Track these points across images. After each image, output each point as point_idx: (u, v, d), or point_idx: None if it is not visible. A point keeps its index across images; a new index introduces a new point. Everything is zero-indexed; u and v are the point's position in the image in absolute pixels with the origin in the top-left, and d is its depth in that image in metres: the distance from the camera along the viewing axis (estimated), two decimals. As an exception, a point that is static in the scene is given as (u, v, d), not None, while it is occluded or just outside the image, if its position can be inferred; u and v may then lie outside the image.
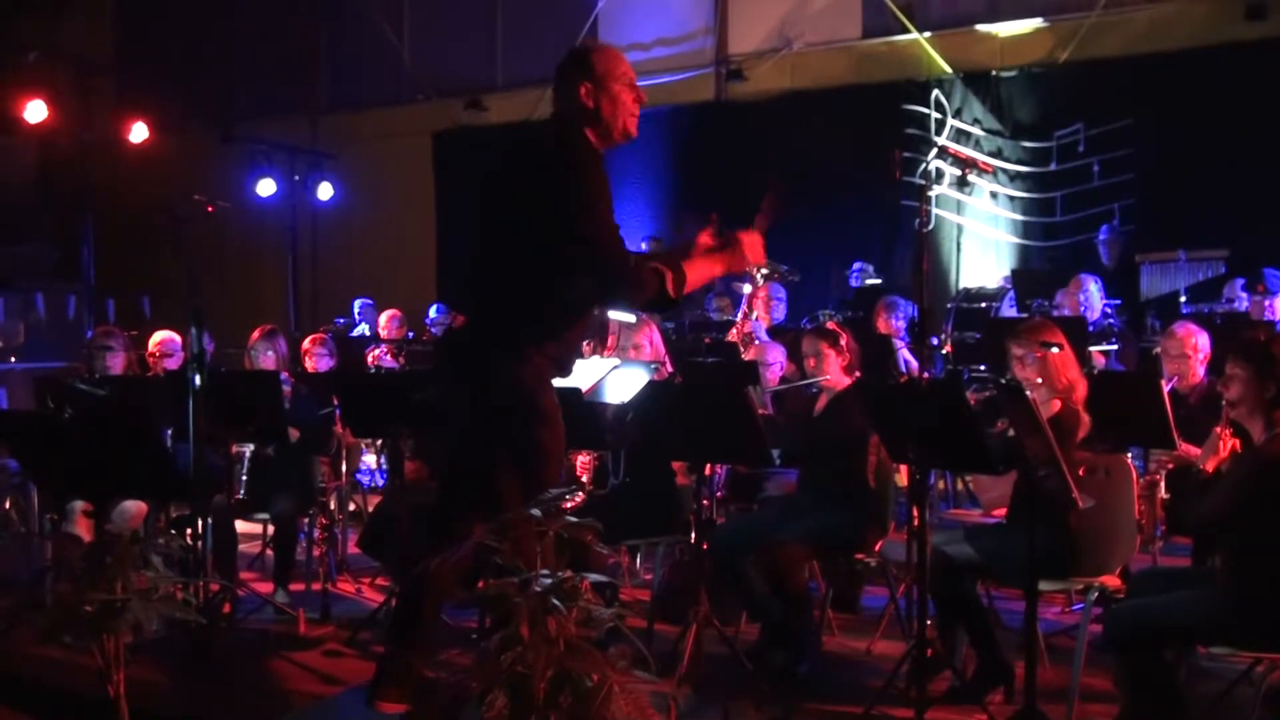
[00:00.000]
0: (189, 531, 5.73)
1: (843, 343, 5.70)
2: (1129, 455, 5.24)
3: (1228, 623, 4.06)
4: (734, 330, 8.50)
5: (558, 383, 4.92)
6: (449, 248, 13.86)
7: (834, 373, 5.69)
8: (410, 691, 4.11)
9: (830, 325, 6.12)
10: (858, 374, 5.73)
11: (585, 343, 8.10)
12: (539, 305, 4.00)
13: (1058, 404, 4.87)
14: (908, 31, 11.79)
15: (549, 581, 2.71)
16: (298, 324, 12.93)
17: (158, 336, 7.76)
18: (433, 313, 11.52)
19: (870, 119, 11.59)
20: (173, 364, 7.53)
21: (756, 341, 7.97)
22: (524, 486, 3.91)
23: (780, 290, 9.40)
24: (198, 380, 5.39)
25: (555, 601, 2.66)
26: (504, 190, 4.09)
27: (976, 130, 11.53)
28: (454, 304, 4.38)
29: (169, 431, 6.31)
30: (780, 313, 9.42)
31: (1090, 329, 8.02)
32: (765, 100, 12.56)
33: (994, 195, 11.46)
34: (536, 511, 2.86)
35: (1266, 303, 8.31)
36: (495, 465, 3.98)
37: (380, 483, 9.41)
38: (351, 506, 7.86)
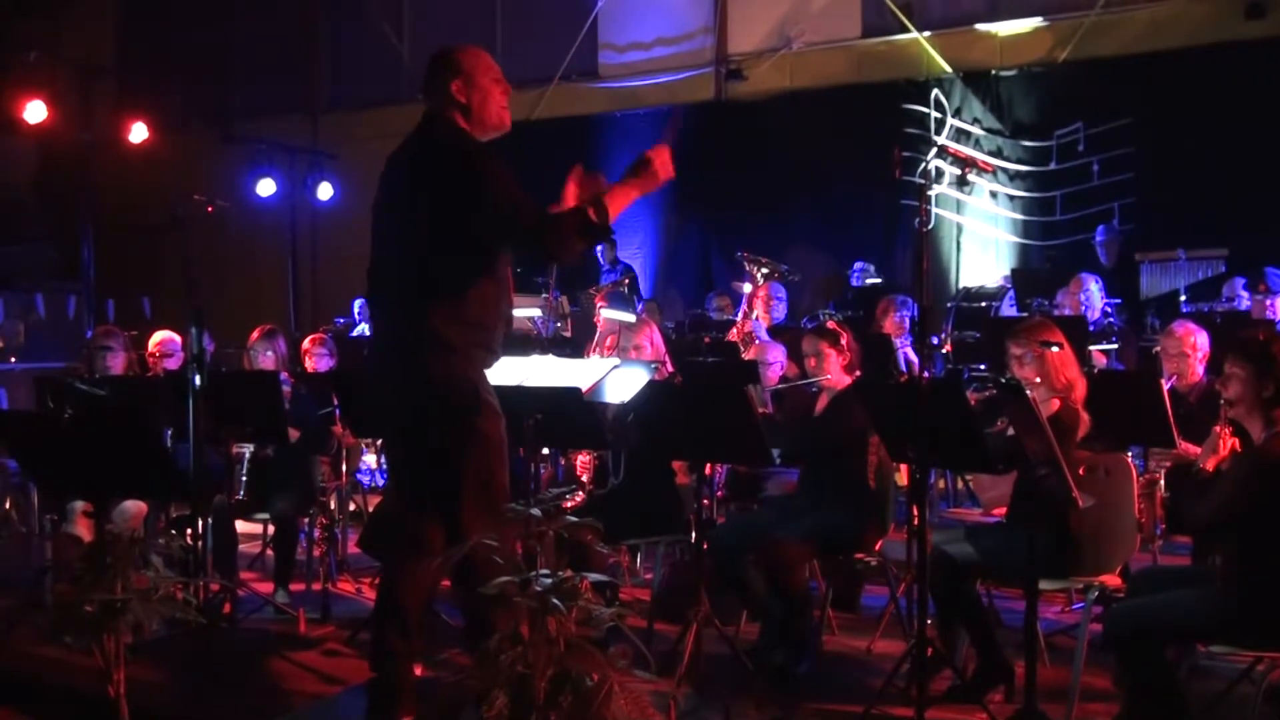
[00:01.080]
0: (189, 531, 5.73)
1: (843, 342, 5.70)
2: (1129, 454, 5.25)
3: (1228, 621, 4.06)
4: (734, 330, 8.50)
5: (560, 382, 4.94)
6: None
7: (834, 372, 5.69)
8: (412, 697, 4.12)
9: (830, 325, 6.12)
10: (858, 373, 5.73)
11: (588, 344, 8.12)
12: (461, 296, 4.05)
13: (1057, 403, 4.87)
14: (907, 31, 11.80)
15: (549, 581, 2.71)
16: (297, 324, 12.93)
17: (157, 337, 7.76)
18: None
19: (870, 118, 11.60)
20: (173, 364, 7.53)
21: (757, 341, 7.97)
22: (479, 480, 3.96)
23: (780, 290, 9.40)
24: (198, 380, 5.39)
25: (555, 601, 2.67)
26: (401, 193, 4.15)
27: (976, 129, 11.54)
28: (370, 314, 4.42)
29: (169, 431, 6.31)
30: (780, 312, 9.41)
31: (1090, 328, 8.02)
32: (765, 99, 12.57)
33: (994, 194, 11.47)
34: (536, 511, 2.86)
35: (1268, 302, 8.31)
36: (446, 462, 4.01)
37: (380, 482, 9.41)
38: (352, 506, 7.86)
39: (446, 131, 4.15)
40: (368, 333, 11.46)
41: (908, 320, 8.78)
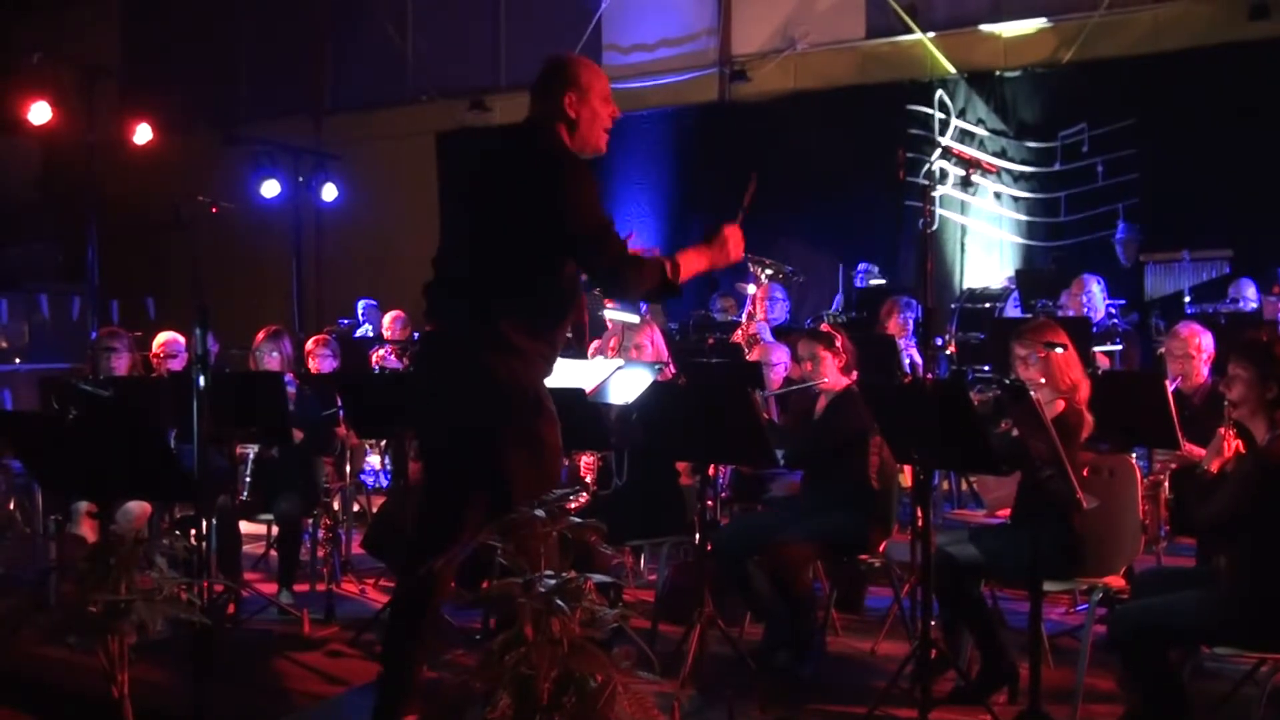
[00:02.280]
0: (193, 532, 5.73)
1: (838, 344, 5.70)
2: (1133, 455, 5.24)
3: (1232, 623, 4.06)
4: (739, 331, 8.51)
5: (563, 383, 4.94)
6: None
7: (831, 374, 5.69)
8: (419, 698, 4.12)
9: (824, 327, 6.11)
10: (855, 374, 5.73)
11: (592, 345, 8.12)
12: (532, 302, 4.05)
13: (1061, 404, 4.86)
14: (911, 32, 11.79)
15: (553, 582, 2.71)
16: (301, 325, 12.93)
17: (161, 338, 7.75)
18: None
19: (874, 119, 11.59)
20: (176, 365, 7.53)
21: (761, 342, 7.96)
22: (536, 484, 3.94)
23: (779, 289, 9.40)
24: (202, 381, 5.39)
25: (559, 602, 2.67)
26: (488, 192, 4.12)
27: (980, 130, 11.53)
28: (430, 307, 4.39)
29: (173, 432, 6.31)
30: (780, 312, 9.42)
31: (1095, 329, 8.01)
32: (769, 101, 12.56)
33: (998, 195, 11.46)
34: (541, 512, 2.86)
35: (1280, 304, 8.30)
36: (507, 464, 3.98)
37: (384, 483, 9.42)
38: (355, 507, 7.87)
39: (550, 142, 4.11)
40: (370, 334, 11.48)
41: (911, 321, 8.78)
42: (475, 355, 3.99)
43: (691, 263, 4.19)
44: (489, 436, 3.99)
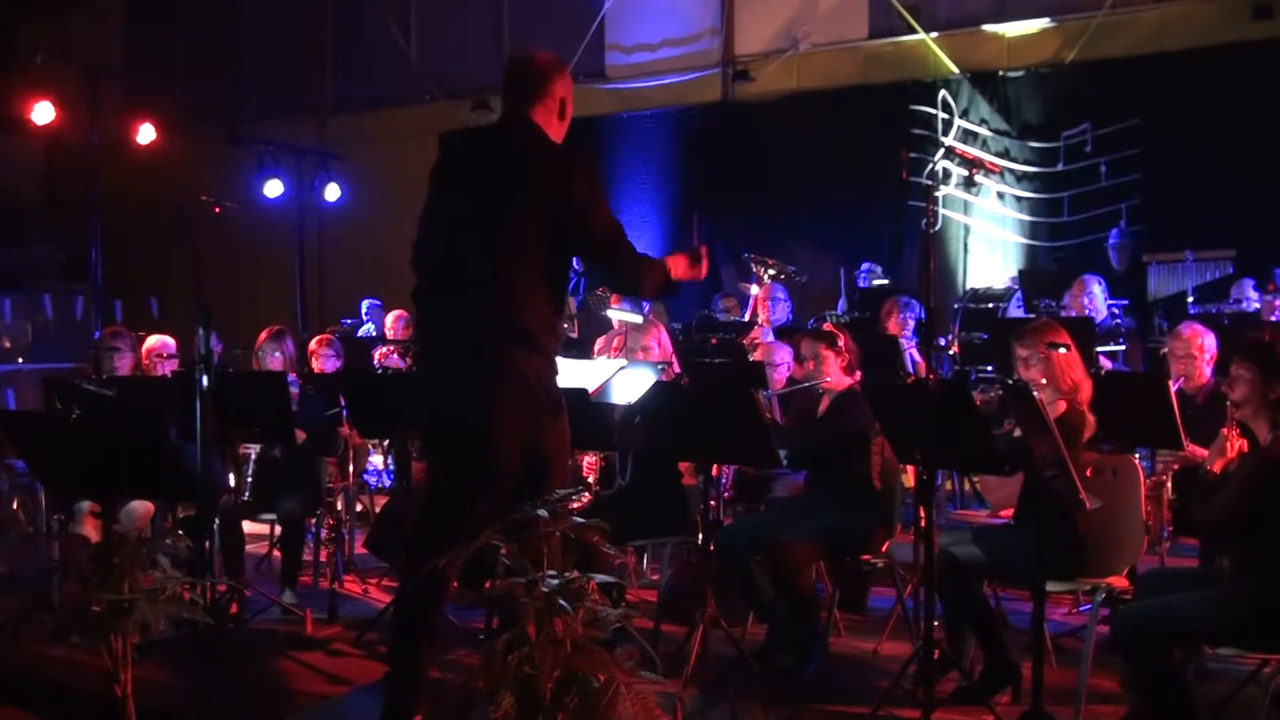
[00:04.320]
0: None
1: (840, 344, 5.69)
2: (1136, 456, 5.24)
3: (1235, 623, 4.05)
4: (748, 335, 8.51)
5: (567, 383, 4.95)
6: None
7: (833, 374, 5.69)
8: (425, 698, 4.12)
9: (827, 327, 6.11)
10: (858, 374, 5.73)
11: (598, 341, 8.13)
12: (550, 299, 4.08)
13: (1063, 404, 4.86)
14: (914, 32, 11.79)
15: (556, 582, 2.71)
16: (304, 324, 12.94)
17: (150, 341, 7.68)
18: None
19: (877, 119, 11.59)
20: (172, 365, 7.51)
21: (764, 342, 7.96)
22: (560, 483, 3.99)
23: (780, 289, 9.39)
24: (205, 381, 5.39)
25: (562, 602, 2.67)
26: (491, 190, 4.07)
27: (983, 130, 11.53)
28: (435, 309, 4.32)
29: (176, 432, 6.31)
30: (782, 312, 9.40)
31: (1098, 330, 8.00)
32: (772, 100, 12.56)
33: (1001, 196, 11.45)
34: (544, 512, 2.86)
35: (1277, 302, 8.27)
36: (537, 464, 4.01)
37: (387, 483, 9.42)
38: (358, 507, 7.87)
39: (547, 139, 4.16)
40: (374, 333, 11.47)
41: (912, 321, 8.77)
42: (510, 360, 3.98)
43: (678, 268, 4.31)
44: (520, 436, 4.00)
